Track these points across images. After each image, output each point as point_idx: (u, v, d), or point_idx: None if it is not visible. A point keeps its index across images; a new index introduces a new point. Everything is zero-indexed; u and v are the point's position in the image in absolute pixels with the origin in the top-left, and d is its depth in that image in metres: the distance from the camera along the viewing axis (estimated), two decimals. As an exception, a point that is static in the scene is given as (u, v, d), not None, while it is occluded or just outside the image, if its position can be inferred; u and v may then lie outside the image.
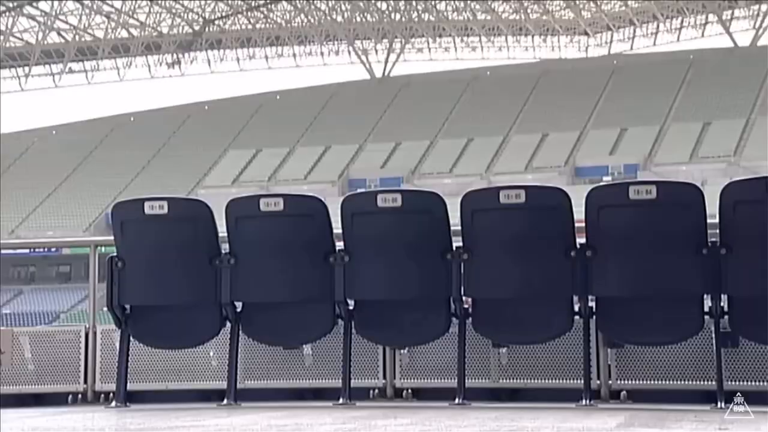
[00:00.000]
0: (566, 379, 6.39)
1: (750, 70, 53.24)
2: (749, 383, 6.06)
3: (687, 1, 57.62)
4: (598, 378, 6.30)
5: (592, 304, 6.04)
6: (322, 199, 6.30)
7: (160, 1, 57.76)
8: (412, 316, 6.23)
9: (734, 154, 48.45)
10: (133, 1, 57.63)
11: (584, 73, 57.78)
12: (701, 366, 6.22)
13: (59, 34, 59.78)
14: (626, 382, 6.36)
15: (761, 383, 6.08)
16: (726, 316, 5.89)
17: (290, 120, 58.14)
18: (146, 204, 6.28)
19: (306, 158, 55.08)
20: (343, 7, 58.91)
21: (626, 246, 5.91)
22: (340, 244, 6.19)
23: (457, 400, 6.04)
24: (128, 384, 6.38)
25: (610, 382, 6.34)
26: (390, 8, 59.56)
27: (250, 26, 61.22)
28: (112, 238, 6.54)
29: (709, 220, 5.82)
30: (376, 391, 6.67)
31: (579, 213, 5.91)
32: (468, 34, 61.64)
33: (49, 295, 48.94)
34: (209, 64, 63.46)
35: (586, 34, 61.18)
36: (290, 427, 4.75)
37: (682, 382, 6.28)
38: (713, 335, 5.95)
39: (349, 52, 62.79)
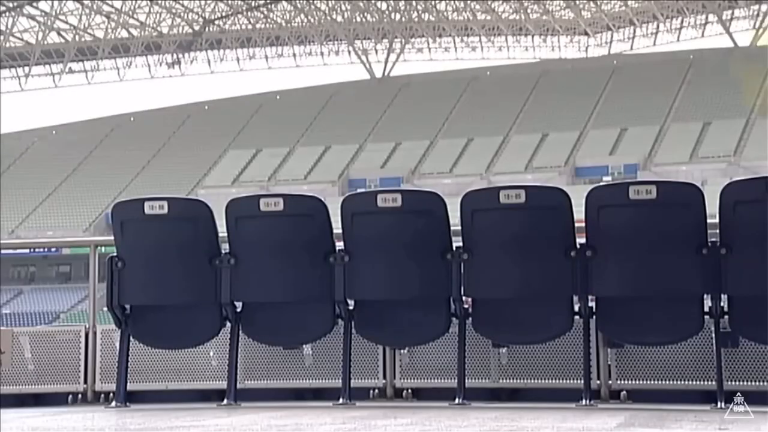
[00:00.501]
0: (566, 379, 6.38)
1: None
2: (749, 383, 6.05)
3: (687, 1, 57.62)
4: (598, 378, 6.29)
5: (592, 304, 6.04)
6: (322, 199, 6.30)
7: (160, 1, 57.77)
8: (412, 316, 6.23)
9: (734, 154, 48.47)
10: (133, 1, 57.65)
11: (584, 73, 57.80)
12: (701, 366, 6.22)
13: (59, 34, 59.80)
14: (626, 382, 6.36)
15: (761, 383, 6.08)
16: (726, 316, 5.89)
17: (290, 120, 58.15)
18: (146, 204, 6.28)
19: (306, 158, 55.10)
20: (343, 7, 58.92)
21: (626, 246, 5.91)
22: (340, 244, 6.19)
23: (457, 400, 6.04)
24: (128, 384, 6.38)
25: (610, 382, 6.34)
26: (390, 8, 59.57)
27: (250, 26, 61.24)
28: (112, 238, 6.54)
29: (709, 220, 5.82)
30: (376, 391, 6.67)
31: (579, 213, 5.91)
32: (468, 34, 61.66)
33: (49, 295, 48.96)
34: (209, 64, 63.50)
35: (586, 34, 61.20)
36: (290, 427, 4.75)
37: (682, 382, 6.27)
38: (713, 335, 5.95)
39: (349, 52, 62.83)
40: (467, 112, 56.66)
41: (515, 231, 6.07)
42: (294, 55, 63.06)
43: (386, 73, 62.97)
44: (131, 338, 6.42)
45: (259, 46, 62.32)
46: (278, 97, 62.19)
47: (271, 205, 6.21)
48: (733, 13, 58.78)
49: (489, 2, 58.40)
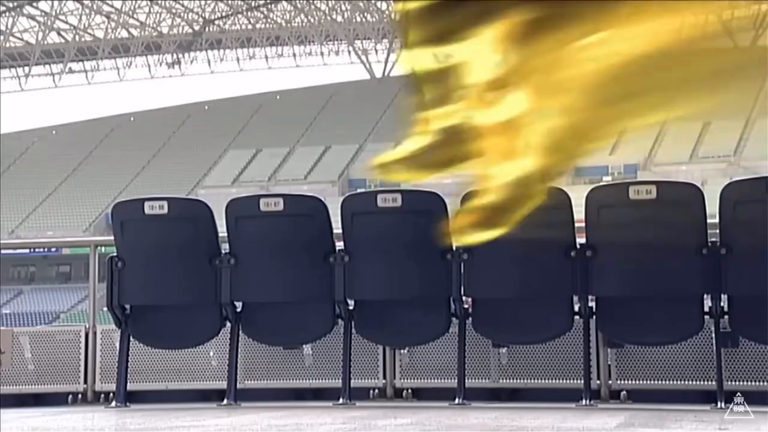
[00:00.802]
0: (566, 379, 6.38)
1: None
2: (749, 383, 6.05)
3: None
4: (598, 378, 6.29)
5: (592, 304, 6.04)
6: (322, 199, 6.30)
7: (160, 1, 57.78)
8: (412, 316, 6.23)
9: (734, 154, 48.47)
10: (133, 1, 57.66)
11: (584, 73, 57.75)
12: (701, 366, 6.22)
13: (59, 34, 59.80)
14: (626, 382, 6.36)
15: (761, 383, 6.08)
16: (726, 316, 5.89)
17: (290, 120, 58.15)
18: (146, 204, 6.28)
19: (306, 158, 55.09)
20: (343, 7, 58.93)
21: (626, 246, 5.91)
22: (340, 244, 6.19)
23: (457, 400, 6.04)
24: (128, 384, 6.38)
25: (610, 382, 6.34)
26: (390, 8, 59.57)
27: (250, 26, 61.24)
28: (112, 238, 6.54)
29: (709, 220, 5.82)
30: (376, 391, 6.66)
31: (579, 213, 5.91)
32: (468, 34, 61.61)
33: (49, 295, 48.95)
34: (209, 64, 63.49)
35: (586, 34, 61.18)
36: (290, 427, 4.75)
37: (682, 382, 6.27)
38: (713, 335, 5.95)
39: (349, 52, 62.82)
40: (467, 112, 56.60)
41: (515, 231, 6.05)
42: (294, 55, 63.06)
43: (386, 73, 62.96)
44: (131, 338, 6.42)
45: (259, 46, 62.31)
46: (278, 97, 62.18)
47: (271, 205, 6.22)
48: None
49: (489, 2, 58.33)
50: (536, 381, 6.51)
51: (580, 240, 5.97)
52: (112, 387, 6.50)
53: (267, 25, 61.26)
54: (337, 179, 52.62)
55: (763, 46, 3.08)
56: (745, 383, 6.02)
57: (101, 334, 7.02)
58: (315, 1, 58.39)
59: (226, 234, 6.26)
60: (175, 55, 62.07)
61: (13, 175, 57.20)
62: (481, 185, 3.05)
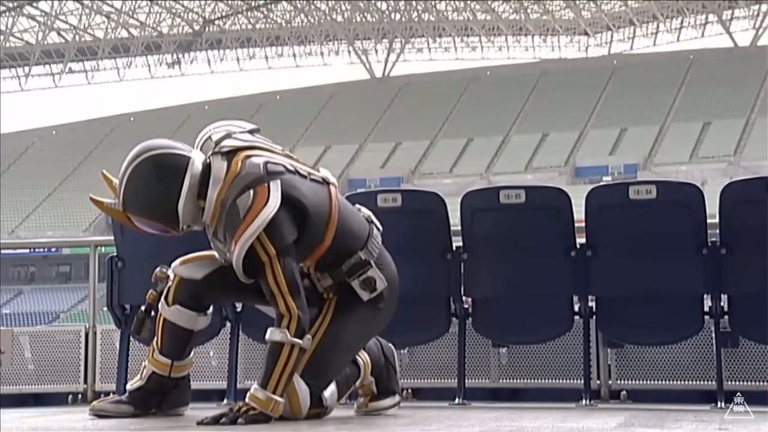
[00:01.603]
0: (566, 379, 6.38)
1: (750, 70, 53.27)
2: (749, 383, 6.05)
3: (687, 1, 57.64)
4: (598, 378, 6.29)
5: (592, 304, 6.03)
6: (322, 199, 6.27)
7: (160, 1, 57.78)
8: (412, 316, 6.22)
9: (734, 154, 48.47)
10: (133, 1, 57.66)
11: (584, 73, 57.80)
12: (701, 366, 6.22)
13: (59, 34, 59.81)
14: (626, 382, 6.35)
15: (761, 383, 6.08)
16: (726, 316, 5.89)
17: (290, 120, 58.14)
18: (146, 204, 6.25)
19: (305, 158, 54.79)
20: (343, 7, 58.94)
21: (626, 246, 5.90)
22: (340, 244, 6.17)
23: (457, 400, 6.03)
24: (128, 384, 6.36)
25: (610, 382, 6.34)
26: (390, 8, 59.58)
27: (250, 26, 61.24)
28: (112, 238, 6.54)
29: (709, 220, 5.81)
30: (376, 391, 6.64)
31: (579, 213, 5.90)
32: (468, 34, 61.67)
33: (49, 295, 48.96)
34: (209, 64, 63.50)
35: (586, 34, 61.21)
36: (289, 427, 4.74)
37: (682, 382, 6.27)
38: (713, 335, 5.95)
39: (349, 52, 62.83)
40: (467, 112, 56.65)
41: (515, 231, 6.06)
42: (294, 55, 63.05)
43: (386, 73, 62.96)
44: (131, 338, 6.42)
45: (259, 46, 62.31)
46: (278, 97, 62.18)
47: (271, 205, 6.18)
48: (733, 13, 58.79)
49: (489, 2, 58.41)
50: (536, 381, 6.51)
51: (580, 240, 5.96)
52: (112, 387, 6.49)
53: (267, 25, 61.27)
54: (337, 179, 52.58)
55: None
56: (745, 383, 6.02)
57: (101, 334, 7.02)
58: (315, 1, 58.39)
59: (226, 234, 6.24)
60: (175, 55, 62.07)
61: (13, 175, 57.20)
62: None
